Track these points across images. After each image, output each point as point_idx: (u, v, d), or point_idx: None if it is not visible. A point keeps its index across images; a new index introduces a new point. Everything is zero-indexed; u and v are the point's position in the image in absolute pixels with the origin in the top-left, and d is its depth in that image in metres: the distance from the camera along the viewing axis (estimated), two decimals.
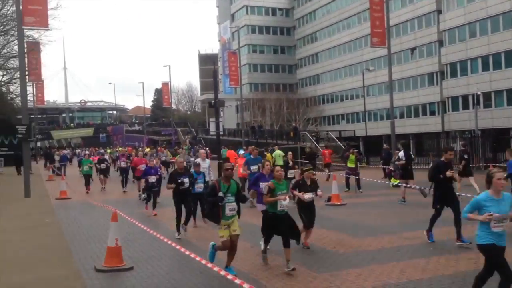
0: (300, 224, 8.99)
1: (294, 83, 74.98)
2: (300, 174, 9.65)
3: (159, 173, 15.50)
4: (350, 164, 19.86)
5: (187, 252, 8.77)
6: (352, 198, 17.31)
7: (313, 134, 40.64)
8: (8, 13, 27.16)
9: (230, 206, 7.64)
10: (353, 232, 11.04)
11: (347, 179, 19.76)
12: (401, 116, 53.37)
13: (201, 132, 68.87)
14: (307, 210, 9.38)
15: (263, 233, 8.45)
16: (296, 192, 9.26)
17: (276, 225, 8.00)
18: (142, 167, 18.38)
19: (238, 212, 7.89)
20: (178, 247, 9.29)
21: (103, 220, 13.31)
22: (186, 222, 11.26)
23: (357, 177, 19.59)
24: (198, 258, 8.36)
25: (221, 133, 49.81)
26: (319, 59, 68.99)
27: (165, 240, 9.99)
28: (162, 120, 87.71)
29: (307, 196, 9.14)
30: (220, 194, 7.47)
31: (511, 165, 14.07)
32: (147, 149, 37.71)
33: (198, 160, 14.34)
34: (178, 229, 11.03)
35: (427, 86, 51.52)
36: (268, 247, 8.52)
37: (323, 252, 9.23)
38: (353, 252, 9.16)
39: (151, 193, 14.69)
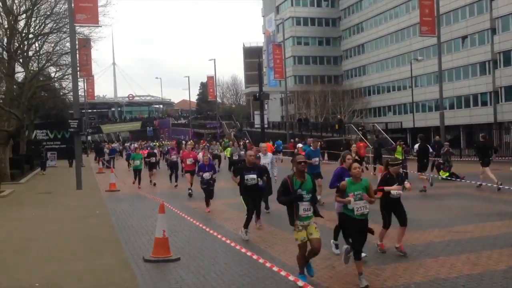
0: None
1: (339, 75, 74.04)
2: (384, 168, 8.57)
3: (216, 170, 14.56)
4: (397, 156, 19.42)
5: (233, 244, 8.85)
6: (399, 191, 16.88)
7: (360, 128, 39.86)
8: (60, 11, 28.09)
9: (304, 205, 6.68)
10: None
11: None
12: (451, 107, 51.73)
13: (245, 125, 69.21)
14: (396, 207, 8.33)
15: (346, 239, 7.28)
16: (386, 187, 8.19)
17: (352, 231, 6.92)
18: (190, 160, 17.87)
19: (315, 212, 6.89)
20: (223, 238, 9.39)
21: (151, 212, 13.61)
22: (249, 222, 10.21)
23: (404, 170, 19.14)
24: (243, 250, 8.42)
25: (266, 126, 50.05)
26: (365, 50, 67.76)
27: (211, 231, 10.10)
28: (207, 114, 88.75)
29: (395, 191, 8.16)
30: (300, 191, 6.60)
31: None
32: (190, 142, 37.80)
33: (260, 154, 13.37)
34: (246, 226, 9.92)
35: (478, 76, 49.66)
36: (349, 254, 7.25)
37: (370, 246, 9.08)
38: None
39: (207, 190, 13.78)
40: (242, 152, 25.85)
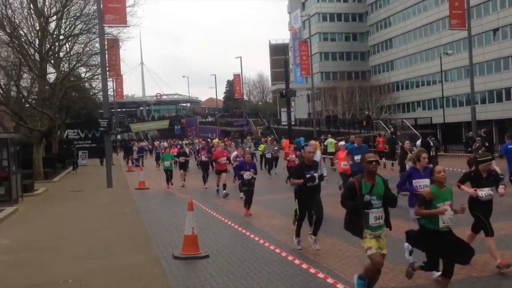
0: None
1: (366, 70, 73.22)
2: (475, 164, 7.30)
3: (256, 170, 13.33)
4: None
5: (261, 241, 8.86)
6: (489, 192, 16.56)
7: (390, 126, 38.94)
8: (89, 12, 28.57)
9: (375, 213, 5.71)
10: None
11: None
12: (483, 102, 50.57)
13: (272, 123, 69.16)
14: (484, 210, 7.05)
15: (428, 255, 6.16)
16: (466, 188, 7.14)
17: (439, 246, 5.80)
18: (223, 160, 16.93)
19: (387, 222, 5.91)
20: (252, 236, 9.42)
21: (180, 209, 13.74)
22: (315, 232, 8.81)
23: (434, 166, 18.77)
24: (272, 247, 8.42)
25: (293, 123, 49.90)
26: (393, 45, 66.80)
27: (240, 229, 10.13)
28: (233, 111, 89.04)
29: (483, 192, 6.95)
30: (367, 197, 5.65)
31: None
32: (215, 141, 36.92)
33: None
34: (298, 235, 8.79)
35: (511, 69, 48.37)
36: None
37: (400, 243, 8.94)
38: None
39: (247, 192, 12.68)
40: (276, 148, 24.96)
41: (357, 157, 12.95)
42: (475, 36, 45.22)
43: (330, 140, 26.53)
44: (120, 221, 12.81)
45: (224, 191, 16.24)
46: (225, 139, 42.06)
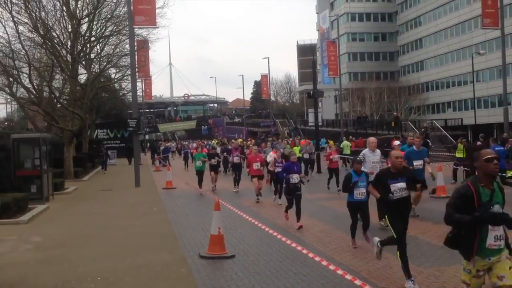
0: None
1: (395, 71, 72.26)
2: None
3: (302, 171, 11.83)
4: (458, 154, 18.79)
5: (288, 242, 8.82)
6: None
7: (423, 130, 37.79)
8: (120, 14, 29.00)
9: (496, 231, 4.28)
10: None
11: (455, 170, 18.67)
12: None
13: (299, 123, 68.91)
14: None
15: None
16: None
17: None
18: (256, 165, 15.72)
19: (507, 243, 4.44)
20: (279, 236, 9.37)
21: (206, 209, 13.81)
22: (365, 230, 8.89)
23: (465, 168, 18.44)
24: (299, 248, 8.37)
25: (320, 123, 49.58)
26: (423, 45, 65.75)
27: (266, 229, 10.11)
28: (259, 112, 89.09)
29: None
30: (496, 208, 4.26)
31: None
32: (239, 141, 36.04)
33: (365, 151, 10.77)
34: (409, 275, 6.60)
35: None
36: None
37: (428, 246, 8.79)
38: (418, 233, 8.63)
39: (294, 197, 10.87)
40: (314, 149, 23.28)
41: (417, 163, 11.19)
42: (509, 36, 44.12)
43: (346, 142, 27.14)
44: (147, 220, 12.95)
45: (258, 197, 15.33)
46: (249, 139, 41.16)
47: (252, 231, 10.63)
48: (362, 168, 9.40)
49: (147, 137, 72.66)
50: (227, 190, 18.89)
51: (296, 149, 23.85)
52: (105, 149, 34.11)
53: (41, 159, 16.69)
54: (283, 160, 14.80)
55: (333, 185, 17.18)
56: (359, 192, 8.74)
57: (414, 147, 11.85)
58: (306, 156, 21.63)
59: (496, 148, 15.54)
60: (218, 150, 26.11)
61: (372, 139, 11.09)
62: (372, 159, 10.56)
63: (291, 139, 35.38)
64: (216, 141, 46.38)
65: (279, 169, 13.84)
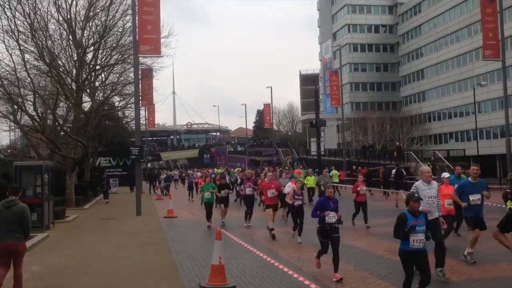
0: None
1: (397, 101, 72.65)
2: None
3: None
4: None
5: (290, 272, 8.70)
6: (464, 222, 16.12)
7: (429, 163, 37.10)
8: (125, 43, 29.41)
9: None
10: (466, 258, 10.26)
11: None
12: None
13: (301, 153, 68.94)
14: None
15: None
16: None
17: None
18: (272, 192, 14.29)
19: None
20: (280, 266, 9.26)
21: (208, 238, 13.68)
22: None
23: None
24: (300, 278, 8.25)
25: (322, 153, 49.62)
26: (425, 75, 66.29)
27: (268, 259, 9.98)
28: (259, 141, 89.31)
29: None
30: None
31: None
32: (237, 170, 34.56)
33: (418, 184, 8.65)
34: None
35: None
36: None
37: (433, 278, 8.65)
38: (467, 280, 8.48)
39: (330, 241, 8.95)
40: (330, 180, 21.92)
41: (474, 197, 9.56)
42: (510, 67, 44.46)
43: (335, 171, 27.77)
44: (148, 249, 12.82)
45: (272, 231, 13.64)
46: (269, 167, 35.91)
47: (254, 261, 10.50)
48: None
49: (149, 165, 72.74)
50: (234, 222, 17.84)
51: (311, 179, 23.02)
52: (107, 177, 33.80)
53: (42, 186, 16.67)
54: (303, 192, 13.46)
55: (358, 219, 15.60)
56: (417, 239, 6.76)
57: (469, 178, 10.07)
58: (324, 187, 19.69)
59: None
60: (228, 179, 24.92)
61: (426, 168, 8.96)
62: (427, 193, 8.50)
63: (292, 168, 35.13)
64: (220, 170, 44.42)
65: (299, 202, 12.98)
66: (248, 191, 17.03)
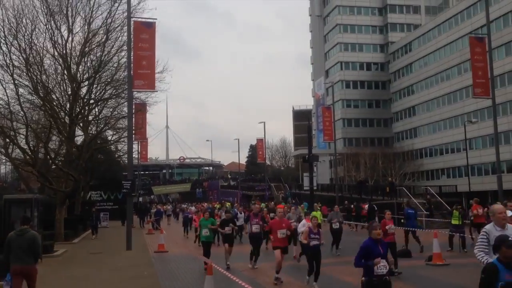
0: None
1: (389, 137, 73.25)
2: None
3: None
4: (454, 221, 18.64)
5: None
6: (456, 258, 16.07)
7: (425, 202, 36.76)
8: (120, 78, 29.60)
9: None
10: None
11: (451, 237, 18.48)
12: (509, 170, 49.55)
13: (294, 188, 68.81)
14: None
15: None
16: None
17: None
18: (282, 233, 12.30)
19: None
20: None
21: (198, 273, 13.47)
22: None
23: (461, 235, 18.30)
24: None
25: (315, 188, 49.57)
26: (417, 112, 67.12)
27: None
28: (252, 176, 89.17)
29: None
30: None
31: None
32: (217, 205, 33.04)
33: (490, 228, 6.56)
34: None
35: None
36: None
37: None
38: None
39: None
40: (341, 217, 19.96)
41: None
42: (500, 105, 45.15)
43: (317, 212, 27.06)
44: (137, 284, 12.60)
45: (278, 278, 12.05)
46: (256, 202, 33.85)
47: None
48: (485, 257, 6.22)
49: (140, 199, 72.24)
50: (220, 253, 17.40)
51: (316, 214, 18.97)
52: (96, 211, 33.06)
53: (32, 220, 16.47)
54: (320, 230, 11.99)
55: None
56: None
57: None
58: (336, 226, 18.40)
59: (409, 211, 18.89)
60: (240, 215, 22.84)
61: (499, 208, 6.82)
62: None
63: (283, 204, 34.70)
64: (218, 205, 41.09)
65: (315, 243, 11.61)
66: (255, 228, 14.89)
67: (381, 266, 6.75)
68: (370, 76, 74.57)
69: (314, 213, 19.18)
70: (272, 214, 17.69)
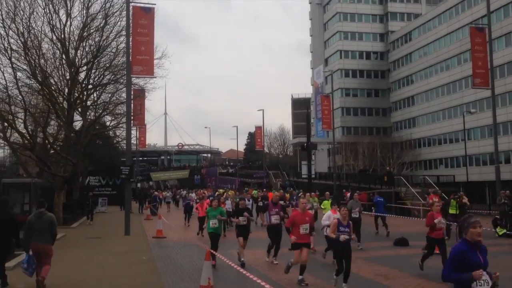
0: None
1: (388, 127, 73.28)
2: None
3: None
4: (452, 211, 18.72)
5: None
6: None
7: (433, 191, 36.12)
8: (118, 63, 29.49)
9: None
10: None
11: (448, 227, 18.56)
12: (507, 161, 49.74)
13: (292, 175, 68.96)
14: None
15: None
16: None
17: None
18: (305, 228, 10.58)
19: None
20: (267, 287, 9.13)
21: (197, 259, 13.54)
22: None
23: (459, 225, 18.40)
24: None
25: (313, 176, 49.70)
26: (415, 102, 67.07)
27: (258, 281, 9.88)
28: (251, 163, 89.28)
29: None
30: None
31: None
32: (231, 193, 29.67)
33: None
34: None
35: None
36: None
37: None
38: None
39: None
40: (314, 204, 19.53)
41: None
42: (499, 96, 45.15)
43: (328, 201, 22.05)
44: (136, 269, 12.66)
45: (301, 277, 10.45)
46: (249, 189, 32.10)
47: (243, 283, 10.39)
48: None
49: (139, 185, 72.29)
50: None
51: (327, 203, 18.08)
52: (92, 195, 32.17)
53: (30, 204, 16.50)
54: (350, 223, 10.47)
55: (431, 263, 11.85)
56: None
57: None
58: (355, 215, 16.84)
59: (378, 199, 20.94)
60: (248, 203, 20.54)
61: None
62: None
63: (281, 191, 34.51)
64: (222, 190, 38.69)
65: (346, 237, 9.97)
66: (275, 219, 13.30)
67: (483, 282, 4.85)
68: (369, 65, 74.35)
69: (325, 202, 18.75)
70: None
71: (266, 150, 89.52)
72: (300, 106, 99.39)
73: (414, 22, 68.60)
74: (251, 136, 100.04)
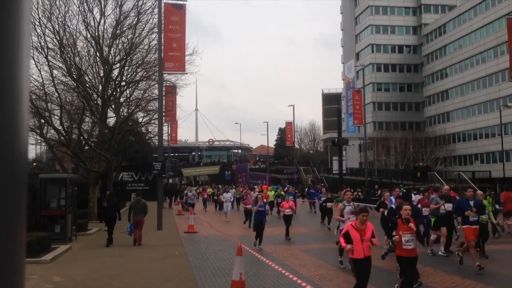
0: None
1: (421, 121, 71.95)
2: None
3: None
4: (488, 207, 18.24)
5: None
6: (487, 245, 15.77)
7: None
8: (150, 60, 29.86)
9: None
10: (491, 282, 10.02)
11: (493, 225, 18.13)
12: None
13: (323, 171, 68.54)
14: None
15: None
16: None
17: None
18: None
19: None
20: (299, 281, 9.14)
21: (228, 254, 13.63)
22: None
23: (492, 222, 17.93)
24: None
25: (344, 172, 49.32)
26: (450, 96, 65.61)
27: (290, 276, 9.88)
28: (281, 159, 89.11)
29: None
30: None
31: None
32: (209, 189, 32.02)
33: None
34: None
35: None
36: None
37: None
38: None
39: None
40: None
41: None
42: None
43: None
44: (168, 263, 12.83)
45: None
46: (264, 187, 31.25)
47: (274, 278, 10.40)
48: None
49: (170, 180, 73.19)
50: (247, 234, 18.14)
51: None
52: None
53: (66, 199, 16.91)
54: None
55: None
56: None
57: None
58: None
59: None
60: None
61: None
62: None
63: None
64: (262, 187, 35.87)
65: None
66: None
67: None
68: (402, 59, 73.10)
69: (338, 199, 17.94)
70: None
71: (296, 145, 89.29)
72: (330, 101, 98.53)
73: (449, 14, 67.03)
74: (282, 131, 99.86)
